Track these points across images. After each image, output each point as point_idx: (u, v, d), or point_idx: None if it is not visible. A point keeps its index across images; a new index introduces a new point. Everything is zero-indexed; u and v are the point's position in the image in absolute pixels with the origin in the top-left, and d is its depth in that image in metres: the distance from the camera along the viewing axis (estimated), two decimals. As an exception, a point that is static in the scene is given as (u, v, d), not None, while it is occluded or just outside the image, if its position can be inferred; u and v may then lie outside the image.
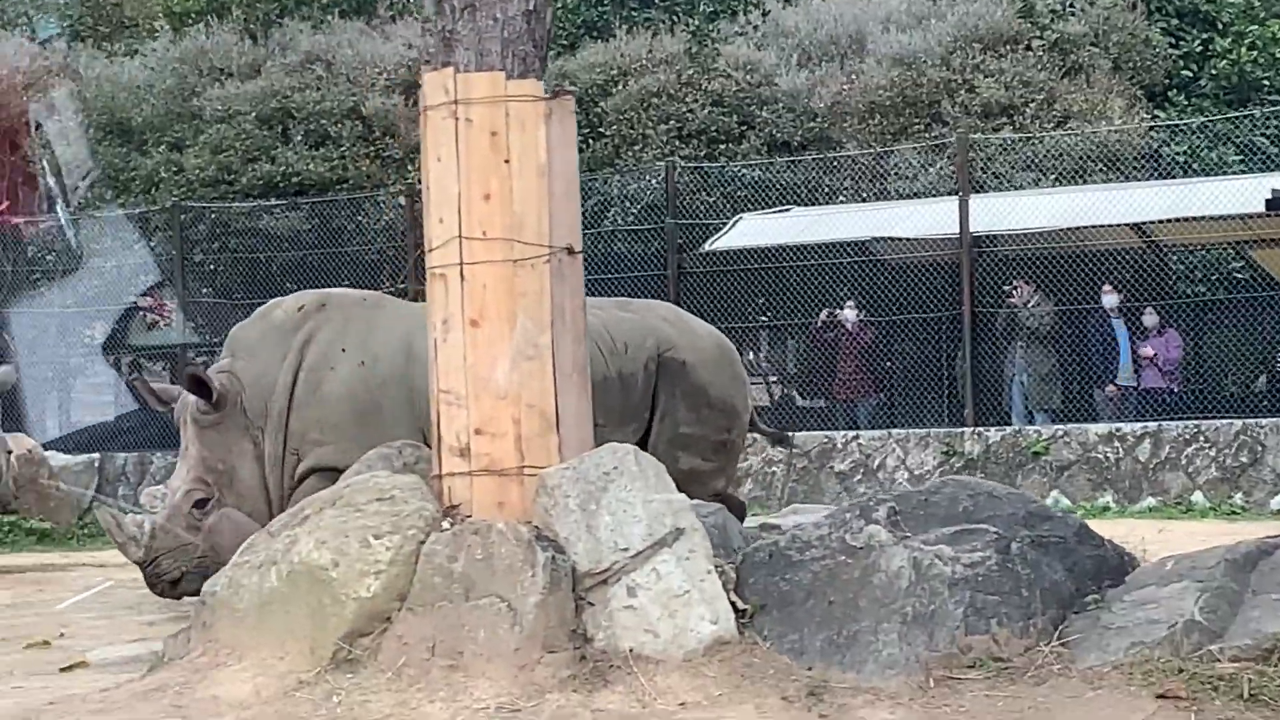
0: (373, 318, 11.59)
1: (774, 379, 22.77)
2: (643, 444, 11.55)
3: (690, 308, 21.12)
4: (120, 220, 24.86)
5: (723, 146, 22.88)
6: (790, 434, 13.72)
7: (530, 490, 7.73)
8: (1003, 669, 7.17)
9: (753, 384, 22.31)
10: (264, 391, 11.23)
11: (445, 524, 7.56)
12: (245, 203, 24.06)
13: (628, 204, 22.15)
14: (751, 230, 21.10)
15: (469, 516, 7.73)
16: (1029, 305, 19.50)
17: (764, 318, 22.10)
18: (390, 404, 11.17)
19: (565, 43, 24.65)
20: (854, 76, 23.12)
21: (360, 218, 23.61)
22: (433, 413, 8.00)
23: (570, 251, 7.95)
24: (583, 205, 21.04)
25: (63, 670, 9.40)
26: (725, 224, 21.42)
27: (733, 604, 7.43)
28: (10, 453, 16.64)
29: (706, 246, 20.97)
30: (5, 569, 15.92)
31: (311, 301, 11.68)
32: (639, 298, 21.57)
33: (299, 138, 24.73)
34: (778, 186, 21.92)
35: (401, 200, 23.24)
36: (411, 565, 7.48)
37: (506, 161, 7.87)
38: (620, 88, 23.34)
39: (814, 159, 22.27)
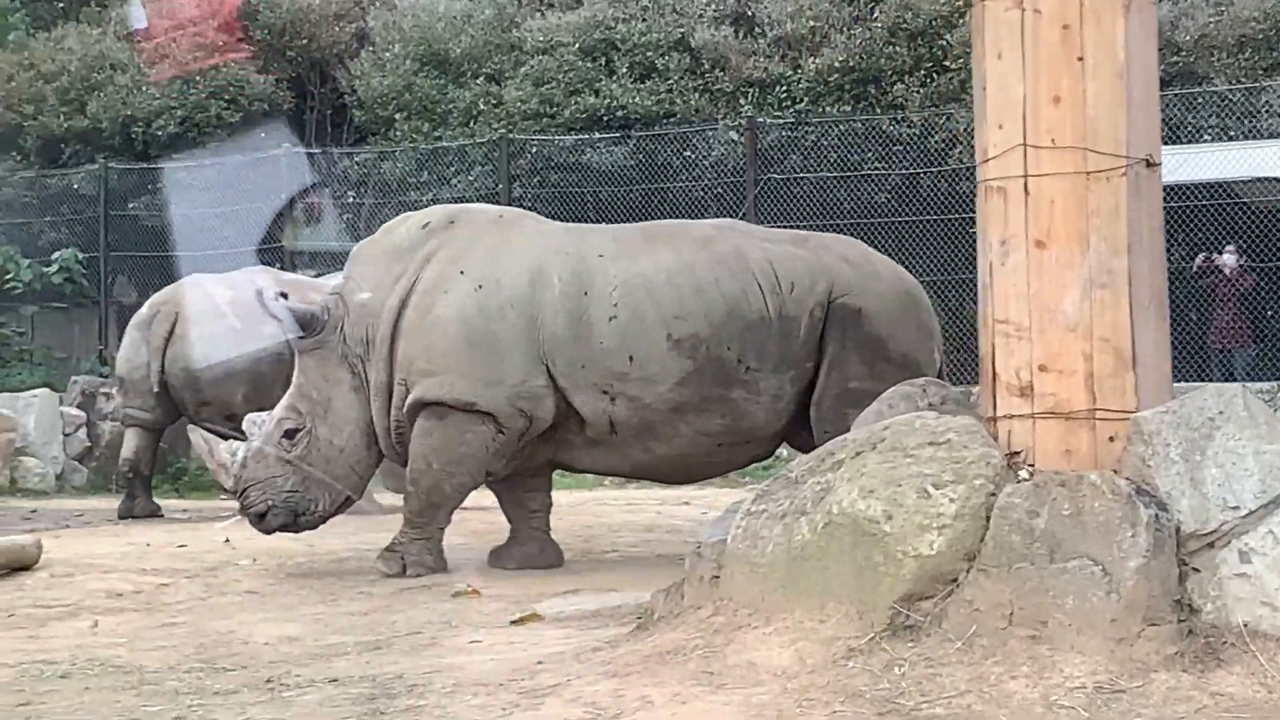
0: (503, 237, 10.70)
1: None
2: (807, 396, 10.50)
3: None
4: (437, 153, 24.22)
5: (1078, 81, 21.55)
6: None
7: (1102, 437, 6.73)
8: None
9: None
10: (368, 315, 10.47)
11: (1023, 473, 6.56)
12: (570, 136, 23.26)
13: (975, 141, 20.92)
14: (1117, 169, 19.81)
15: (1032, 465, 6.74)
16: None
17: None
18: (508, 332, 10.35)
19: (906, -28, 23.53)
20: (1223, 8, 21.69)
21: (688, 153, 22.69)
22: (984, 344, 7.02)
23: (1149, 164, 6.90)
24: (927, 142, 19.94)
25: (514, 623, 8.62)
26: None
27: (1362, 575, 6.36)
28: None
29: (1069, 186, 19.70)
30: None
31: (439, 218, 10.86)
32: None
33: (624, 70, 23.86)
34: (1136, 124, 20.57)
35: (733, 135, 22.28)
36: (980, 520, 6.52)
37: (1080, 60, 6.85)
38: (966, 19, 22.13)
39: (1176, 95, 20.92)
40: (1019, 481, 6.53)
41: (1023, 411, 6.84)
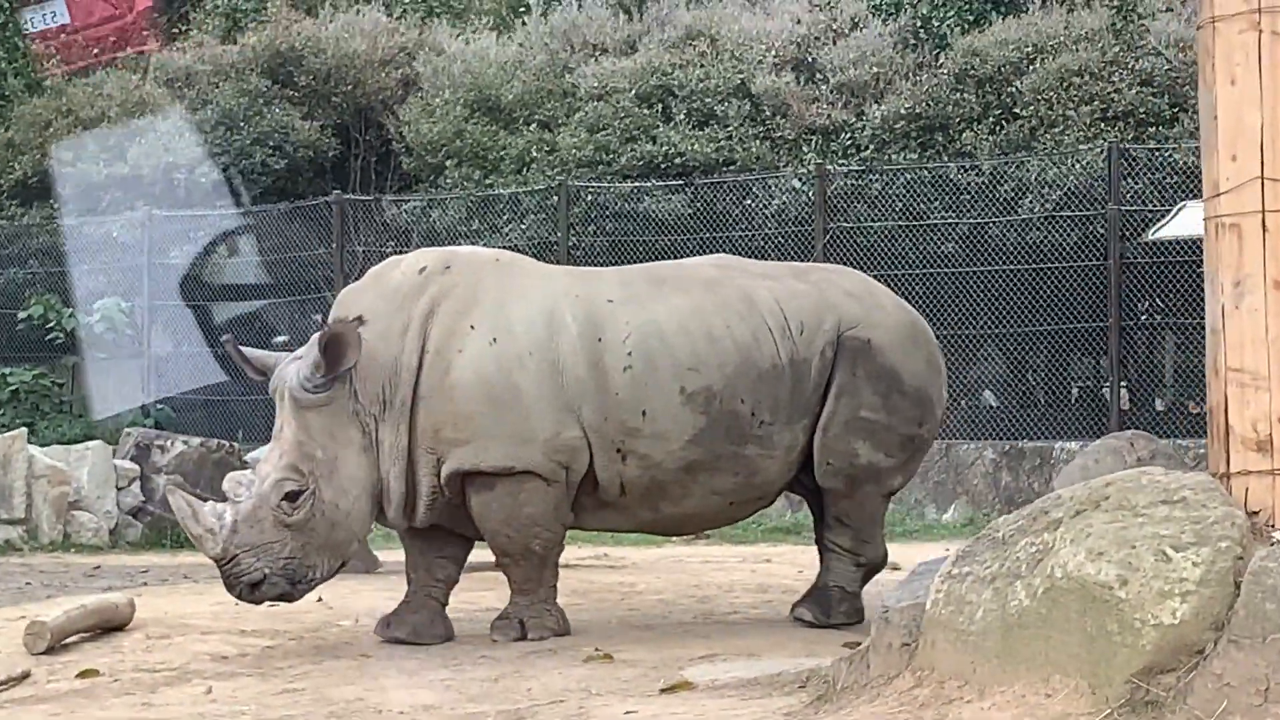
0: (505, 282, 10.03)
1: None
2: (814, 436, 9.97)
3: (1133, 302, 19.64)
4: (489, 201, 23.73)
5: (1152, 129, 21.09)
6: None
7: (1348, 496, 6.20)
8: None
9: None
10: (380, 371, 9.72)
11: (1277, 535, 6.02)
12: (627, 184, 22.77)
13: (1046, 190, 20.49)
14: (1198, 219, 19.22)
15: (1272, 526, 6.21)
16: None
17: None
18: (530, 382, 9.70)
19: (972, 18, 23.04)
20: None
21: (748, 201, 22.19)
22: (1215, 395, 6.49)
23: (1395, 199, 6.35)
24: (996, 191, 19.44)
25: (664, 691, 8.06)
26: (1155, 212, 19.69)
27: None
28: None
29: (1150, 235, 19.25)
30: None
31: (434, 262, 10.11)
32: (1069, 290, 20.27)
33: (681, 116, 23.38)
34: (1212, 173, 20.08)
35: (795, 183, 21.79)
36: (1228, 585, 5.99)
37: (1321, 86, 6.32)
38: (1036, 66, 21.66)
39: None
40: (1272, 544, 5.99)
41: (1261, 467, 6.33)
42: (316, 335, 9.88)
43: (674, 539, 16.44)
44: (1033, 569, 6.34)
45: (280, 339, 24.94)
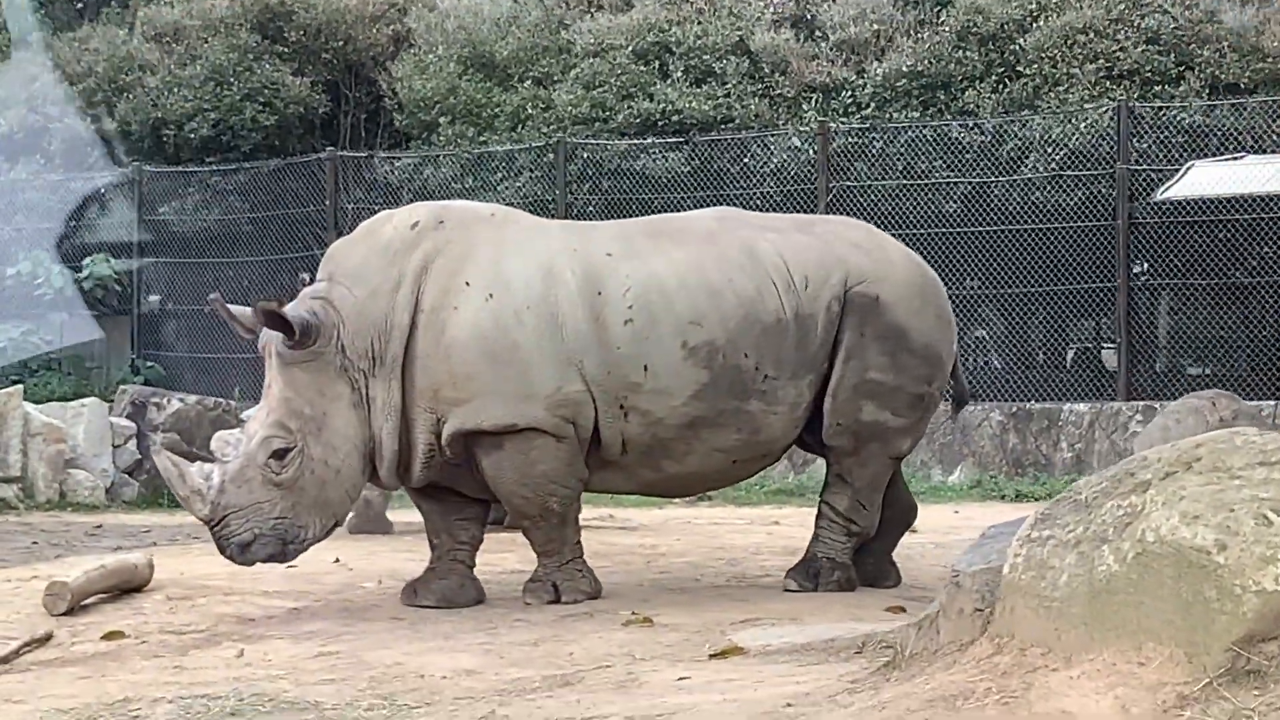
0: (500, 237, 9.77)
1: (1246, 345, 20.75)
2: (820, 392, 9.81)
3: (1133, 263, 19.46)
4: (483, 159, 23.46)
5: (1157, 88, 20.89)
6: (966, 399, 11.34)
7: None
8: None
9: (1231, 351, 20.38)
10: (371, 328, 9.48)
11: (1385, 499, 5.79)
12: (624, 141, 22.49)
13: (1050, 149, 20.27)
14: (1207, 179, 19.11)
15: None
16: None
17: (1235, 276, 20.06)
18: (529, 338, 9.48)
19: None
20: (1312, 12, 21.04)
21: (747, 159, 21.94)
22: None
23: None
24: (998, 150, 19.24)
25: (713, 656, 7.83)
26: (1160, 172, 19.50)
27: None
28: None
29: (1159, 195, 19.04)
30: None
31: (427, 217, 9.85)
32: (1071, 251, 20.06)
33: (679, 73, 23.12)
34: (1219, 132, 19.92)
35: (795, 141, 21.54)
36: (1331, 550, 5.74)
37: None
38: (1040, 23, 21.46)
39: (1262, 103, 20.22)
40: (1378, 507, 5.75)
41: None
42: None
43: (675, 500, 16.20)
44: (1120, 533, 6.08)
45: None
